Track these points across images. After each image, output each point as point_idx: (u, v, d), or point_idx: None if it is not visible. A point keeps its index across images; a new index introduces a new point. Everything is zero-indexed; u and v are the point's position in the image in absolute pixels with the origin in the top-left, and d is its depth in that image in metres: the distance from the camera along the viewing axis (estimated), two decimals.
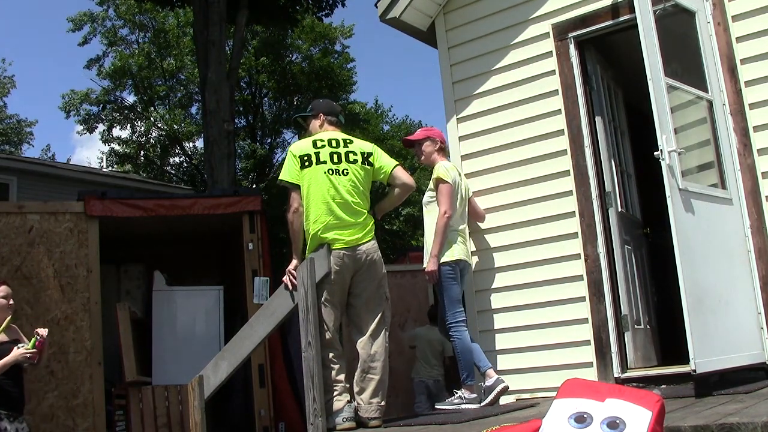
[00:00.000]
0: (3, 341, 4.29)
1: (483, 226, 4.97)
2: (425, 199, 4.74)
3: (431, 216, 4.62)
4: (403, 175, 4.35)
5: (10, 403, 4.26)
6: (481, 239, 4.97)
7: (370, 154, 4.30)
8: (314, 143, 4.26)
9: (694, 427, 2.60)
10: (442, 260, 4.48)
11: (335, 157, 4.20)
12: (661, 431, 2.36)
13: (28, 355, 4.20)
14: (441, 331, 4.58)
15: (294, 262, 4.16)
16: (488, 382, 4.40)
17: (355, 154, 4.25)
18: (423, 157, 4.87)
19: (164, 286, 6.71)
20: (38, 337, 4.23)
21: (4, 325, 4.31)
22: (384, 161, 4.34)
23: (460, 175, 4.78)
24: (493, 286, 4.90)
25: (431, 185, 4.67)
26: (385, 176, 4.33)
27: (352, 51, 28.53)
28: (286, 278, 4.16)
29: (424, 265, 4.55)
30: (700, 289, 3.76)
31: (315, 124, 4.43)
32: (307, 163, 4.18)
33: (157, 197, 8.59)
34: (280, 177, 4.27)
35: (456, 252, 4.52)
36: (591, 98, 4.77)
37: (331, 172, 4.15)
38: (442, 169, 4.62)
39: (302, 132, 4.54)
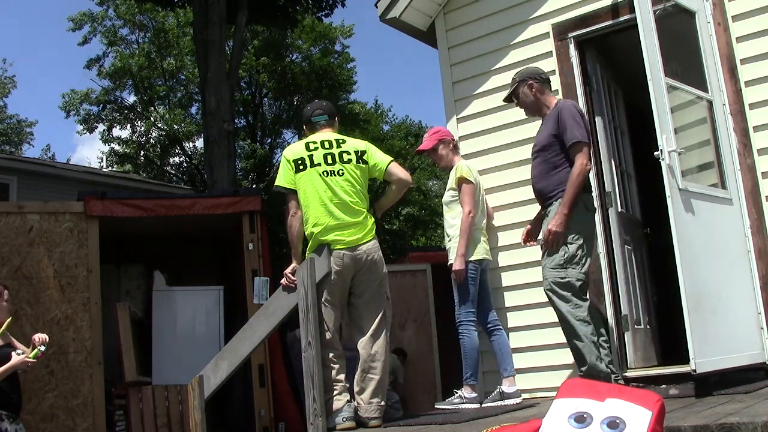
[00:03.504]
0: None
1: None
2: (446, 198, 4.75)
3: (453, 215, 4.65)
4: (398, 171, 4.34)
5: (9, 405, 4.32)
6: None
7: (363, 152, 4.29)
8: (307, 146, 4.25)
9: (694, 427, 2.61)
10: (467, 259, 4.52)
11: (329, 158, 4.19)
12: (661, 431, 2.36)
13: (28, 364, 4.30)
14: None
15: (293, 265, 4.16)
16: (509, 389, 4.44)
17: (348, 153, 4.24)
18: (442, 162, 4.88)
19: (164, 286, 6.70)
20: (40, 351, 4.30)
21: (3, 328, 4.33)
22: (378, 158, 4.33)
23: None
24: (493, 286, 4.89)
25: (452, 184, 4.70)
26: (380, 173, 4.32)
27: (352, 51, 28.57)
28: (284, 281, 4.16)
29: (450, 262, 4.56)
30: (700, 289, 3.75)
31: (307, 131, 4.45)
32: (301, 167, 4.18)
33: (157, 197, 8.57)
34: (276, 183, 4.28)
35: (480, 251, 4.58)
36: (591, 98, 4.77)
37: (326, 173, 4.14)
38: (464, 168, 4.66)
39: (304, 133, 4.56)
